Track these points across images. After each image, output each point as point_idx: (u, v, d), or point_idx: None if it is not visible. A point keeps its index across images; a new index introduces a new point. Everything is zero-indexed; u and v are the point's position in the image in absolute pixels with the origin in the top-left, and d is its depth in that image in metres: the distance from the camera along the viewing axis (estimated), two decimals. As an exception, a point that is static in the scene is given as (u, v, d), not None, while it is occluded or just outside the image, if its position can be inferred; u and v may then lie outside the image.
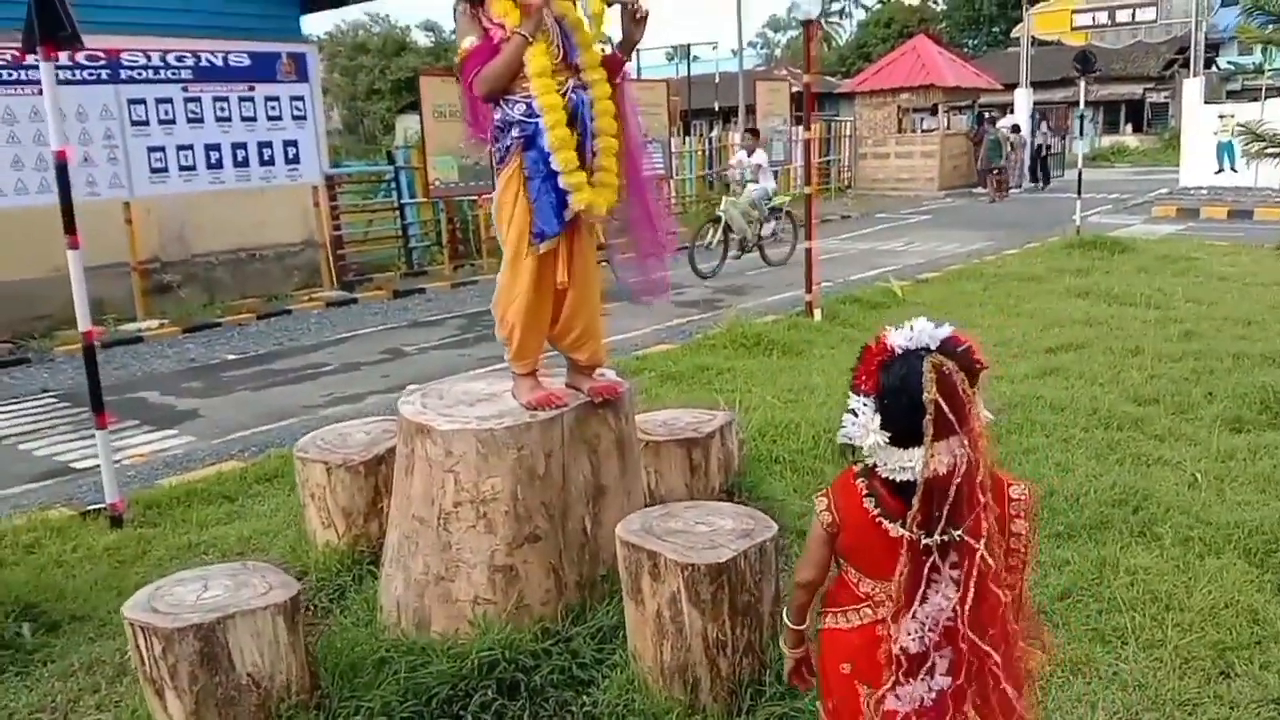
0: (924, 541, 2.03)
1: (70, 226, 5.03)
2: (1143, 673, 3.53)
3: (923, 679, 2.05)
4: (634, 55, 3.88)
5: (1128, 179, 28.38)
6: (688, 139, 23.48)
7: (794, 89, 21.68)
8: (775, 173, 21.13)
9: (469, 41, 3.46)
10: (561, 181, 3.47)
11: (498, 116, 3.55)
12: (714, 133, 29.02)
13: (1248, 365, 7.26)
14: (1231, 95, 35.72)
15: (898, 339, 2.13)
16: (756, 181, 14.57)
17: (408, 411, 3.66)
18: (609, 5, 3.61)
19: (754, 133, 16.04)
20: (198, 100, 12.64)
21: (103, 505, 5.37)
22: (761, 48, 67.67)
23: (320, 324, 11.87)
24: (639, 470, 3.96)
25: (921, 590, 2.04)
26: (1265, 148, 7.04)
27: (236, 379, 9.29)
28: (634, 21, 3.61)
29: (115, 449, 7.01)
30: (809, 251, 10.03)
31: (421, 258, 15.62)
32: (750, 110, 22.32)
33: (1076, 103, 17.15)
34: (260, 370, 9.58)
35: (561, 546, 3.57)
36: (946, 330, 2.15)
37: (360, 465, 4.27)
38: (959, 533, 2.01)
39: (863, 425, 2.08)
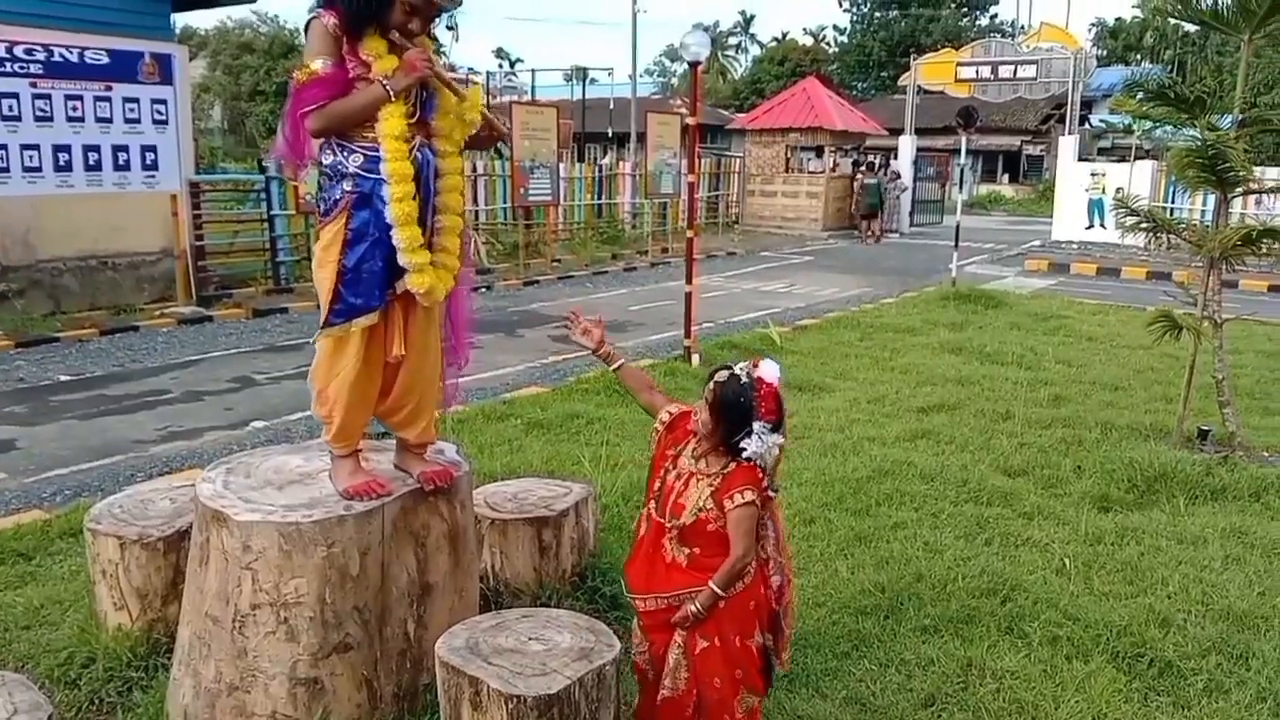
0: (778, 495, 3.24)
1: None
2: (1007, 800, 3.28)
3: (775, 573, 3.20)
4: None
5: (1003, 228, 29.26)
6: (579, 165, 23.18)
7: (685, 123, 21.63)
8: (664, 205, 20.96)
9: (320, 64, 3.02)
10: (402, 259, 3.07)
11: (327, 161, 3.14)
12: (606, 159, 28.82)
13: (1115, 437, 7.26)
14: (1102, 152, 37.38)
15: (776, 377, 3.08)
16: None
17: (205, 493, 3.17)
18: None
19: None
20: (47, 97, 11.74)
21: None
22: (659, 75, 68.12)
23: (169, 344, 11.07)
24: (474, 564, 3.55)
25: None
26: (1139, 222, 7.05)
27: (66, 404, 8.51)
28: (491, 132, 3.39)
29: (-95, 488, 6.29)
30: (688, 296, 9.78)
31: (289, 273, 14.86)
32: (641, 139, 22.16)
33: (958, 150, 17.48)
34: (94, 395, 8.81)
35: (377, 656, 3.13)
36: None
37: (159, 541, 3.75)
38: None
39: (771, 441, 3.03)
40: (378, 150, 3.08)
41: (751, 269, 18.93)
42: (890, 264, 20.03)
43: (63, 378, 9.42)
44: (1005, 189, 42.77)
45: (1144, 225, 7.13)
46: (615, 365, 3.46)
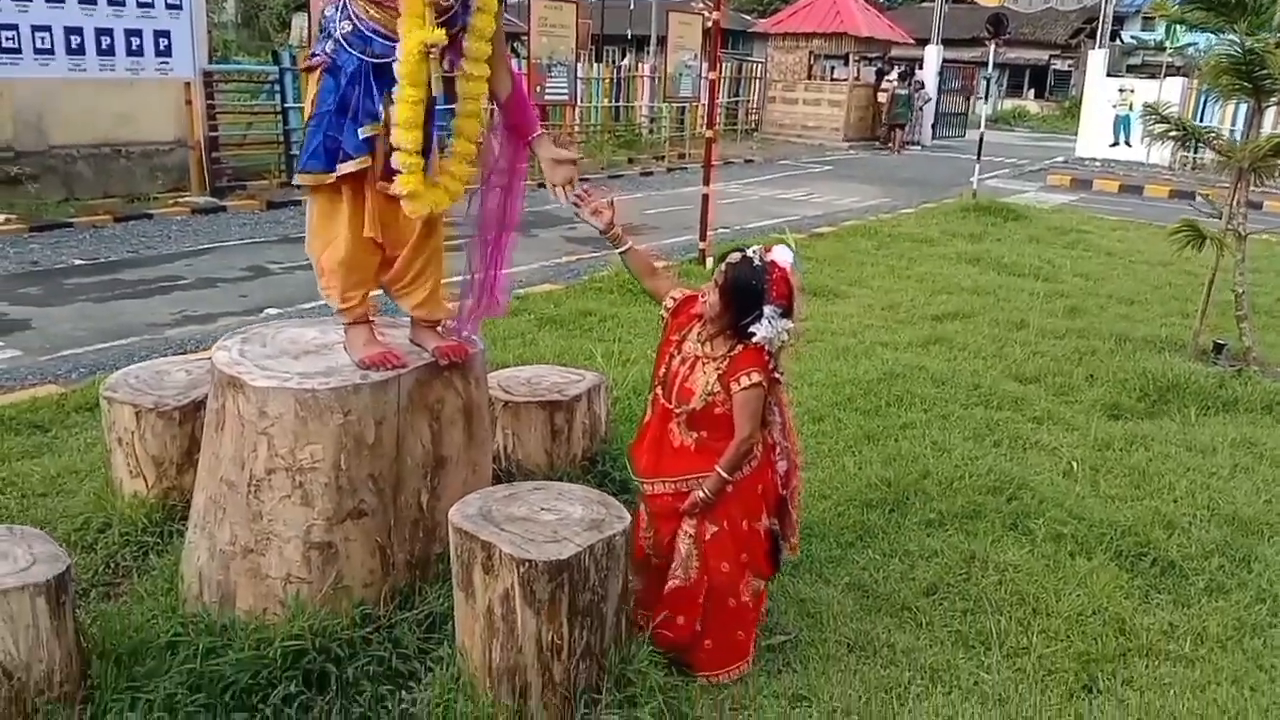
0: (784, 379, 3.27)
1: None
2: (1004, 685, 3.35)
3: (780, 458, 3.26)
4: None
5: (1026, 143, 28.74)
6: (596, 65, 22.76)
7: (707, 24, 21.13)
8: (682, 109, 20.63)
9: None
10: (395, 160, 2.96)
11: (327, 13, 3.06)
12: (625, 60, 28.27)
13: (1129, 349, 7.23)
14: (1132, 69, 36.50)
15: (789, 262, 3.07)
16: None
17: (221, 360, 3.19)
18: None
19: None
20: (58, -24, 11.50)
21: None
22: (680, -22, 66.47)
23: (183, 232, 11.03)
24: (488, 440, 3.57)
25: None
26: (1169, 130, 6.90)
27: (80, 287, 8.53)
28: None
29: (-78, 361, 6.35)
30: (705, 198, 9.68)
31: (303, 167, 14.73)
32: (661, 43, 21.71)
33: (985, 63, 17.09)
34: (108, 279, 8.82)
35: (391, 523, 3.17)
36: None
37: (175, 410, 3.78)
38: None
39: (781, 326, 3.01)
40: (371, 29, 2.95)
41: (769, 177, 18.69)
42: (910, 175, 19.75)
43: (77, 262, 9.42)
44: (1030, 105, 41.90)
45: (1173, 134, 6.98)
46: (623, 248, 3.40)
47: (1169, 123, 6.93)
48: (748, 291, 3.01)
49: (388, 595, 3.19)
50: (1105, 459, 5.26)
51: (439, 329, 3.37)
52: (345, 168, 3.00)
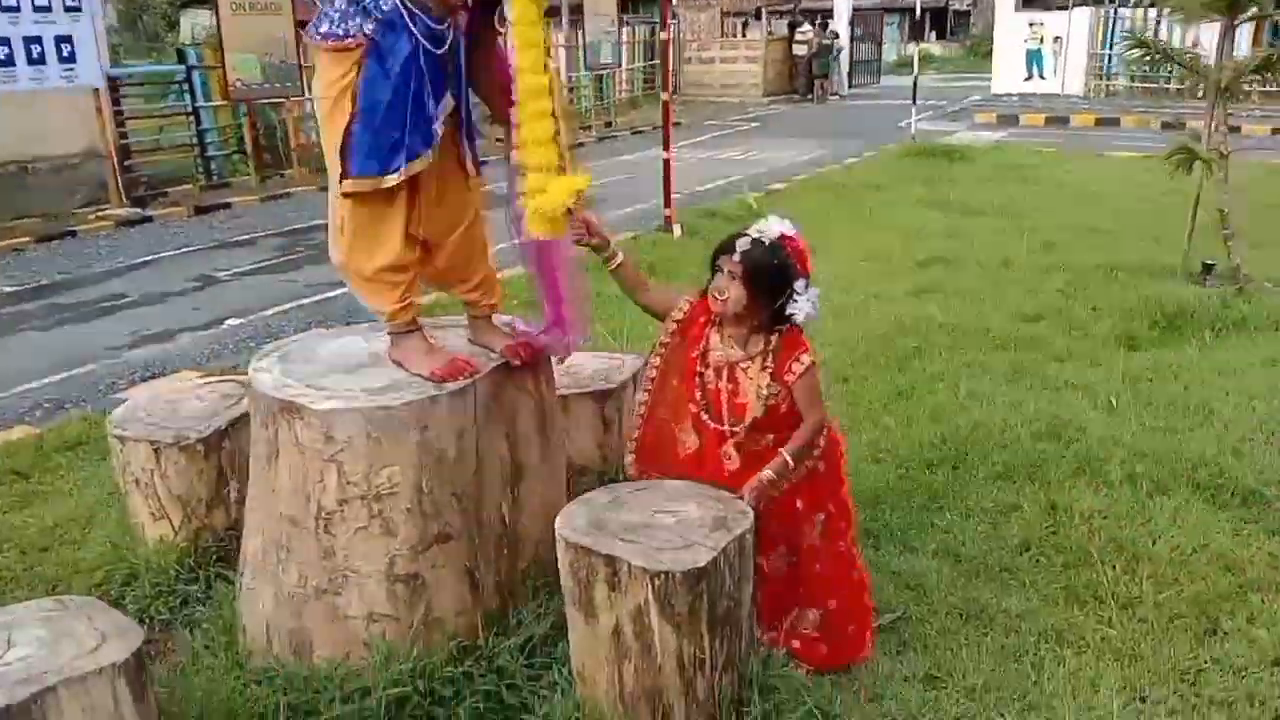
0: None
1: None
2: (1132, 638, 3.18)
3: None
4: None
5: (939, 86, 28.87)
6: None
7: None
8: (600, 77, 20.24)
9: None
10: (527, 181, 2.68)
11: None
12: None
13: (1122, 278, 7.17)
14: (1029, 3, 36.98)
15: (794, 230, 2.85)
16: None
17: (266, 383, 2.82)
18: None
19: None
20: (-58, -17, 10.68)
21: None
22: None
23: (112, 247, 10.37)
24: (562, 444, 3.28)
25: None
26: (1149, 54, 6.82)
27: (18, 316, 7.91)
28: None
29: None
30: (666, 164, 9.40)
31: (222, 168, 14.03)
32: (574, 11, 21.25)
33: (889, 9, 17.04)
34: (47, 304, 8.21)
35: (477, 544, 2.87)
36: None
37: (198, 443, 3.41)
38: None
39: (813, 297, 2.81)
40: (421, 6, 2.60)
41: (701, 138, 18.41)
42: (840, 125, 19.67)
43: (7, 289, 8.77)
44: (934, 47, 42.21)
45: (1150, 56, 6.89)
46: (615, 264, 2.99)
47: (1147, 47, 6.83)
48: (775, 273, 2.76)
49: (482, 623, 2.89)
50: (1141, 392, 5.14)
51: (503, 326, 3.07)
52: (414, 167, 2.66)
